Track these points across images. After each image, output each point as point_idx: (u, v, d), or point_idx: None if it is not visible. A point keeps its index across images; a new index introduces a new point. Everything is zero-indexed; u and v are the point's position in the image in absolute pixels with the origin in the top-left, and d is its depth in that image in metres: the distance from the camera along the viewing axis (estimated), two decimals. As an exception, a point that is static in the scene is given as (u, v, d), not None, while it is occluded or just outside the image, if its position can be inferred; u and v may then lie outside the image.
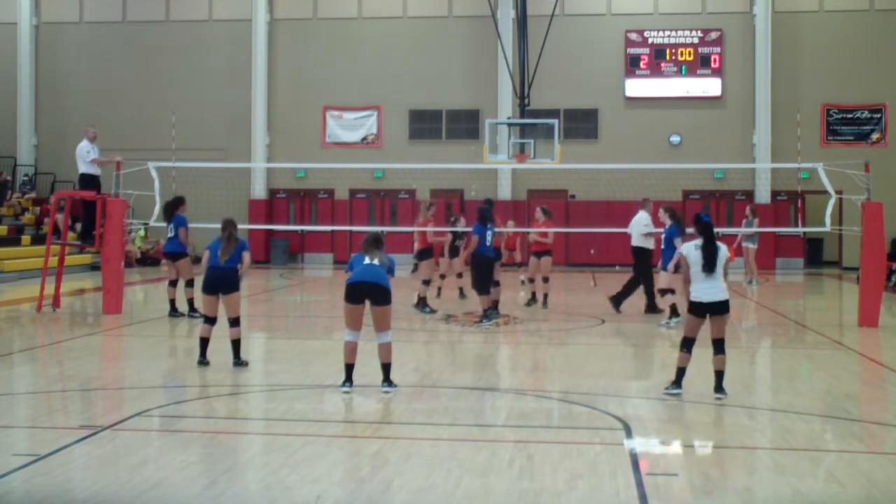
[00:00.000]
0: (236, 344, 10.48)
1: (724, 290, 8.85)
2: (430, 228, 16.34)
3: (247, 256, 10.64)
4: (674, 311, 14.11)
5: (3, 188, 28.55)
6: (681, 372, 8.99)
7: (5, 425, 7.86)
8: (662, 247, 14.13)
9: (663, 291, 14.21)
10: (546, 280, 16.52)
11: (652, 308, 15.47)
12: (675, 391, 8.93)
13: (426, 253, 16.33)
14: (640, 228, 15.37)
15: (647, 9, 29.18)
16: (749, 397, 9.21)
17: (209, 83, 30.42)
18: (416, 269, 16.86)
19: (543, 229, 16.42)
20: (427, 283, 16.04)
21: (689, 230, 13.32)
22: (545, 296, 16.56)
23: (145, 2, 31.05)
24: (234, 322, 10.46)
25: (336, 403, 8.81)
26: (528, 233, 17.79)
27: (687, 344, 8.94)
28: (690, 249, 8.99)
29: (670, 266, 13.71)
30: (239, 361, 10.45)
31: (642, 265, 15.49)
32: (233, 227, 10.61)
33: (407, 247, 25.63)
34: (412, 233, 24.89)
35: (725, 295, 8.84)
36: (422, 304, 15.75)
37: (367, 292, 9.05)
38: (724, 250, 8.94)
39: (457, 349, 12.52)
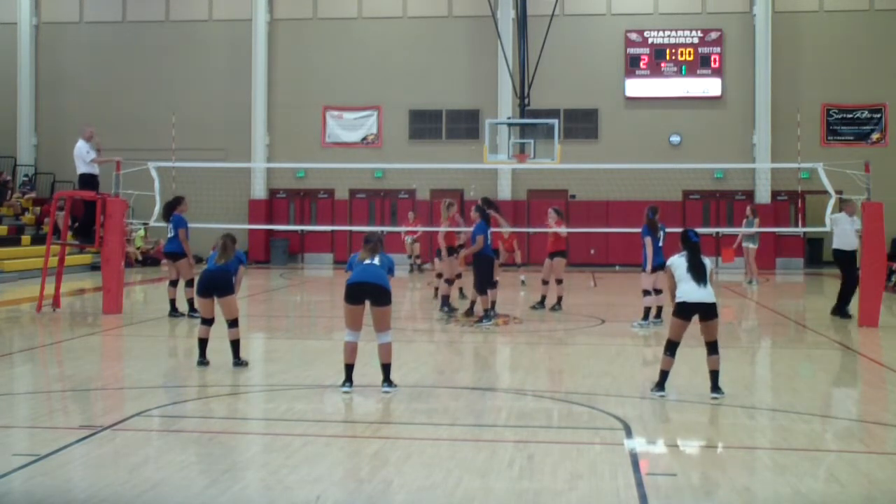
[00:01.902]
0: (235, 344, 10.49)
1: (712, 295, 8.86)
2: (443, 228, 16.21)
3: (241, 269, 10.65)
4: (647, 314, 14.13)
5: (3, 188, 28.55)
6: (664, 375, 9.00)
7: (5, 425, 7.86)
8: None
9: (645, 292, 14.22)
10: (560, 282, 16.12)
11: (842, 311, 15.23)
12: (659, 394, 8.93)
13: (448, 251, 16.11)
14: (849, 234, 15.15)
15: (647, 9, 29.19)
16: (749, 397, 9.21)
17: (209, 83, 30.43)
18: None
19: (557, 229, 16.22)
20: (450, 281, 15.89)
21: (670, 230, 13.43)
22: (559, 298, 16.15)
23: (145, 2, 31.06)
24: (233, 323, 10.46)
25: (336, 403, 8.81)
26: (539, 233, 17.47)
27: (671, 347, 8.93)
28: (674, 259, 9.07)
29: (648, 267, 13.90)
30: (238, 361, 10.46)
31: (848, 267, 15.21)
32: (230, 239, 10.63)
33: (404, 247, 25.66)
34: (405, 233, 25.11)
35: (713, 298, 8.84)
36: (444, 301, 15.64)
37: (368, 293, 9.05)
38: (708, 263, 9.02)
39: (457, 349, 12.52)
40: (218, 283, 10.37)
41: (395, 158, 28.48)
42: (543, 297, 16.35)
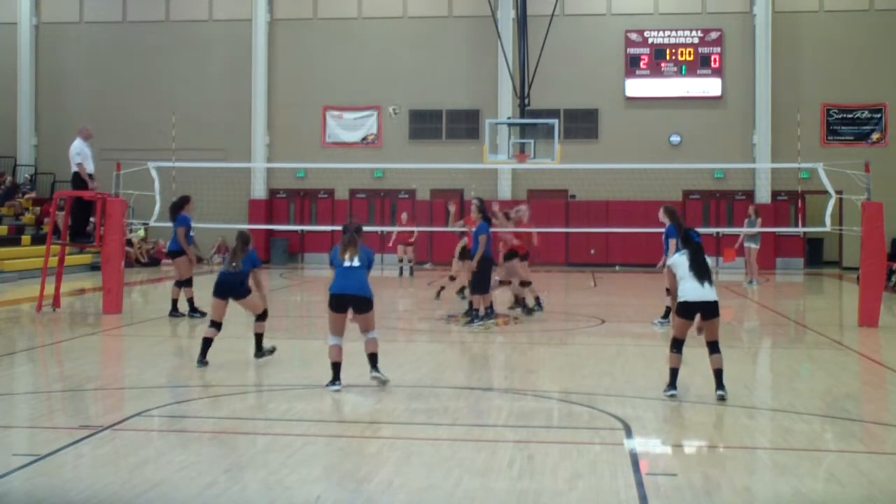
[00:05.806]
0: (259, 337, 10.72)
1: (714, 293, 8.85)
2: (450, 228, 16.14)
3: (257, 273, 10.73)
4: (668, 312, 14.12)
5: (11, 190, 28.53)
6: (674, 373, 8.99)
7: (5, 425, 7.85)
8: (666, 247, 14.06)
9: (668, 290, 14.16)
10: (522, 284, 15.47)
11: None
12: (671, 392, 8.93)
13: (464, 253, 15.98)
14: None
15: (647, 9, 29.19)
16: (749, 397, 9.21)
17: (209, 83, 30.43)
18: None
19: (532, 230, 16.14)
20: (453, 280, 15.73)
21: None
22: (536, 298, 15.66)
23: (145, 2, 31.07)
24: (259, 317, 10.70)
25: (336, 404, 8.81)
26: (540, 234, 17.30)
27: (676, 345, 8.94)
28: (676, 258, 9.09)
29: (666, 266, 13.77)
30: (261, 353, 10.66)
31: None
32: (241, 240, 10.69)
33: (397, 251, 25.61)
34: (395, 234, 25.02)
35: (714, 296, 8.84)
36: (470, 307, 15.33)
37: (350, 303, 9.16)
38: (709, 263, 9.05)
39: (457, 349, 12.51)
40: (233, 286, 10.52)
41: (395, 158, 28.47)
42: (537, 299, 15.83)
